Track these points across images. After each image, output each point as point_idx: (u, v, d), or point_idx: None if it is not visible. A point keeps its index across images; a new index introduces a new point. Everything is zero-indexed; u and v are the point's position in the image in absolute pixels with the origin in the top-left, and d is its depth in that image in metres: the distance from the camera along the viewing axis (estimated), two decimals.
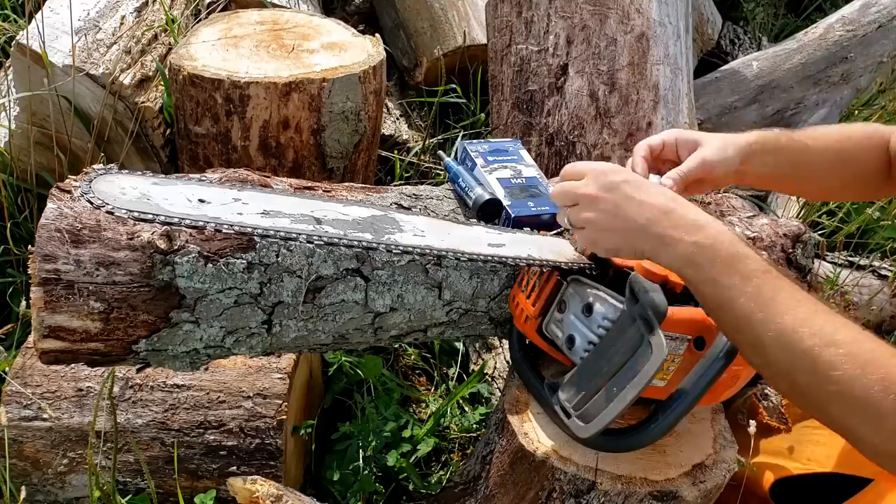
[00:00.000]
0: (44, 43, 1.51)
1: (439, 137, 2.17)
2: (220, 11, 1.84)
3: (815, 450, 1.17)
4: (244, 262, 0.93)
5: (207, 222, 0.86)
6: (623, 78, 1.48)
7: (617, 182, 0.87)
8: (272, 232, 0.89)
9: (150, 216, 0.84)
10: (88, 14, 1.65)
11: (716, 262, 0.80)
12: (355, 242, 0.92)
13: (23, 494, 1.04)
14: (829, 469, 1.13)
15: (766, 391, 1.28)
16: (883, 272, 1.99)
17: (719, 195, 1.63)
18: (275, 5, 1.93)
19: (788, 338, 0.74)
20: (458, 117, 2.24)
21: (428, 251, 0.97)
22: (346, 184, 1.19)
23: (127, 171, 0.91)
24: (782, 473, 1.18)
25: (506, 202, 1.16)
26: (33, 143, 1.62)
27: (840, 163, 1.09)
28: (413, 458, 1.53)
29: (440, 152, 1.45)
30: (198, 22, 1.71)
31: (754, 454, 1.08)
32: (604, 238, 0.89)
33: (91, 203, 0.83)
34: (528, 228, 1.13)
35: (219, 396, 1.29)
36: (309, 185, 1.12)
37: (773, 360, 0.76)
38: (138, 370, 0.99)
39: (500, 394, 1.57)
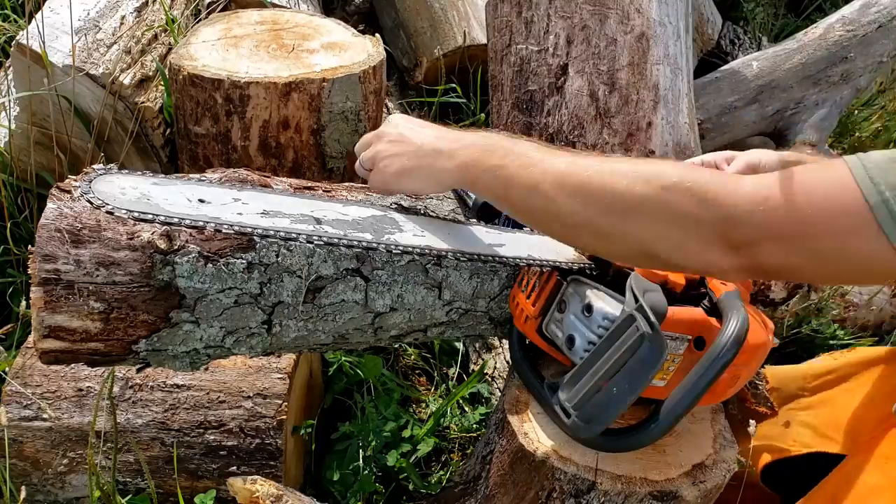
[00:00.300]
0: (44, 43, 1.51)
1: None
2: (220, 11, 1.84)
3: (800, 430, 1.19)
4: (244, 262, 0.93)
5: (207, 222, 0.86)
6: (623, 78, 1.48)
7: (400, 121, 0.98)
8: (272, 232, 0.89)
9: (150, 216, 0.84)
10: (88, 14, 1.65)
11: (494, 151, 0.86)
12: (355, 242, 0.92)
13: (23, 494, 1.04)
14: (814, 449, 1.14)
15: (753, 380, 1.29)
16: None
17: None
18: (275, 5, 1.93)
19: (569, 180, 0.79)
20: (458, 117, 2.23)
21: (428, 251, 0.97)
22: (346, 184, 1.19)
23: (127, 171, 0.91)
24: (775, 456, 1.19)
25: None
26: (33, 143, 1.62)
27: None
28: (413, 458, 1.53)
29: None
30: (198, 22, 1.71)
31: (745, 442, 1.10)
32: (390, 165, 0.95)
33: (91, 203, 0.83)
34: (528, 228, 1.13)
35: (219, 396, 1.29)
36: (309, 185, 1.12)
37: (566, 211, 0.80)
38: (138, 370, 0.99)
39: (500, 394, 1.57)
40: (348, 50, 1.57)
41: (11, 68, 1.62)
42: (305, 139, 1.49)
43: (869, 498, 1.01)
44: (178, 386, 1.29)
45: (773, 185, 0.69)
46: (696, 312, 0.95)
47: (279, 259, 0.95)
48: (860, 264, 0.66)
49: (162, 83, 1.63)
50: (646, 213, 0.74)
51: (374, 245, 0.94)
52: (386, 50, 1.64)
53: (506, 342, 1.25)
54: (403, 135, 0.94)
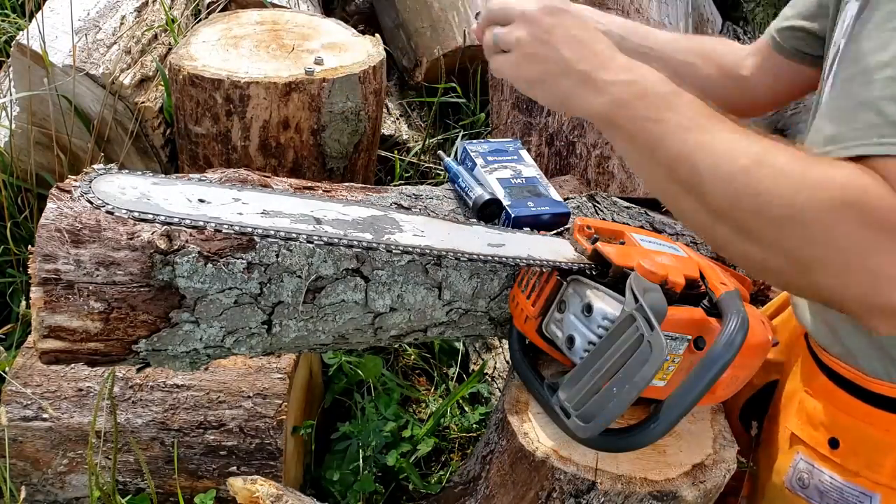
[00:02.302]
0: (44, 43, 1.51)
1: (439, 137, 2.17)
2: (220, 11, 1.84)
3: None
4: (244, 262, 0.93)
5: (207, 222, 0.86)
6: None
7: (561, 9, 0.81)
8: (272, 232, 0.89)
9: (150, 216, 0.84)
10: (88, 14, 1.65)
11: (646, 97, 0.74)
12: (355, 242, 0.92)
13: (23, 494, 1.04)
14: (774, 377, 1.15)
15: None
16: None
17: None
18: (275, 5, 1.93)
19: (726, 163, 0.68)
20: (458, 117, 2.24)
21: (428, 251, 0.97)
22: (346, 184, 1.19)
23: (127, 171, 0.91)
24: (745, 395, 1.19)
25: (506, 202, 1.16)
26: (33, 143, 1.62)
27: None
28: (413, 458, 1.53)
29: (440, 152, 1.45)
30: (198, 22, 1.71)
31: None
32: (526, 63, 0.81)
33: (91, 203, 0.83)
34: (528, 228, 1.13)
35: (219, 396, 1.29)
36: (309, 185, 1.12)
37: (715, 195, 0.70)
38: (138, 370, 0.99)
39: (500, 394, 1.57)
40: (348, 50, 1.57)
41: (11, 68, 1.62)
42: (305, 139, 1.49)
43: (786, 405, 1.03)
44: (178, 386, 1.29)
45: None
46: (696, 312, 0.94)
47: (279, 259, 0.95)
48: None
49: (162, 83, 1.63)
50: (799, 231, 0.64)
51: (374, 245, 0.94)
52: (386, 50, 1.64)
53: (506, 342, 1.25)
54: (553, 35, 0.79)
